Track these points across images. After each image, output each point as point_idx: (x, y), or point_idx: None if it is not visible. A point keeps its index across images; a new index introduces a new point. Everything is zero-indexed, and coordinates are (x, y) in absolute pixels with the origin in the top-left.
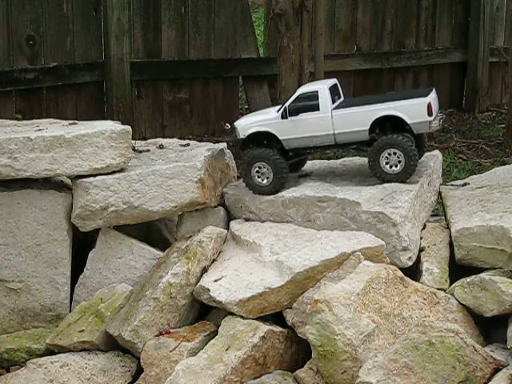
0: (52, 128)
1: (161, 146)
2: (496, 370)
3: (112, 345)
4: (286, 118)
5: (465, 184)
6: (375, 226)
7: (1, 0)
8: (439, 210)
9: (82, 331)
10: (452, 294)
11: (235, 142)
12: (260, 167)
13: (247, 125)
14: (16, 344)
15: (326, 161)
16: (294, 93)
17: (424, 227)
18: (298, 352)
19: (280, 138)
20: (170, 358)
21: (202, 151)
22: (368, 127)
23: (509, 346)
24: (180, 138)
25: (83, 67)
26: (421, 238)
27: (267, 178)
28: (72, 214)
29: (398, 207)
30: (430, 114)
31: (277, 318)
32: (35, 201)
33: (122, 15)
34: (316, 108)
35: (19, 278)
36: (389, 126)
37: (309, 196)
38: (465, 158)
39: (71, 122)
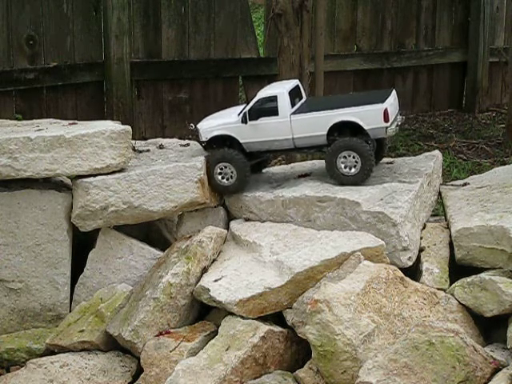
0: (52, 128)
1: (161, 146)
2: (496, 370)
3: (112, 345)
4: (246, 122)
5: (465, 184)
6: (375, 225)
7: (1, 0)
8: (439, 210)
9: (82, 331)
10: (452, 294)
11: (199, 142)
12: (222, 168)
13: (209, 128)
14: (16, 344)
15: None
16: (254, 97)
17: (424, 227)
18: (298, 352)
19: (241, 141)
20: (170, 358)
21: (201, 151)
22: (326, 132)
23: (509, 346)
24: (180, 138)
25: (83, 67)
26: (421, 238)
27: (230, 177)
28: (72, 214)
29: (397, 207)
30: (386, 120)
31: (277, 318)
32: (35, 201)
33: (122, 15)
34: (275, 113)
35: (19, 278)
36: (347, 130)
37: (309, 196)
38: (465, 157)
39: (71, 121)
